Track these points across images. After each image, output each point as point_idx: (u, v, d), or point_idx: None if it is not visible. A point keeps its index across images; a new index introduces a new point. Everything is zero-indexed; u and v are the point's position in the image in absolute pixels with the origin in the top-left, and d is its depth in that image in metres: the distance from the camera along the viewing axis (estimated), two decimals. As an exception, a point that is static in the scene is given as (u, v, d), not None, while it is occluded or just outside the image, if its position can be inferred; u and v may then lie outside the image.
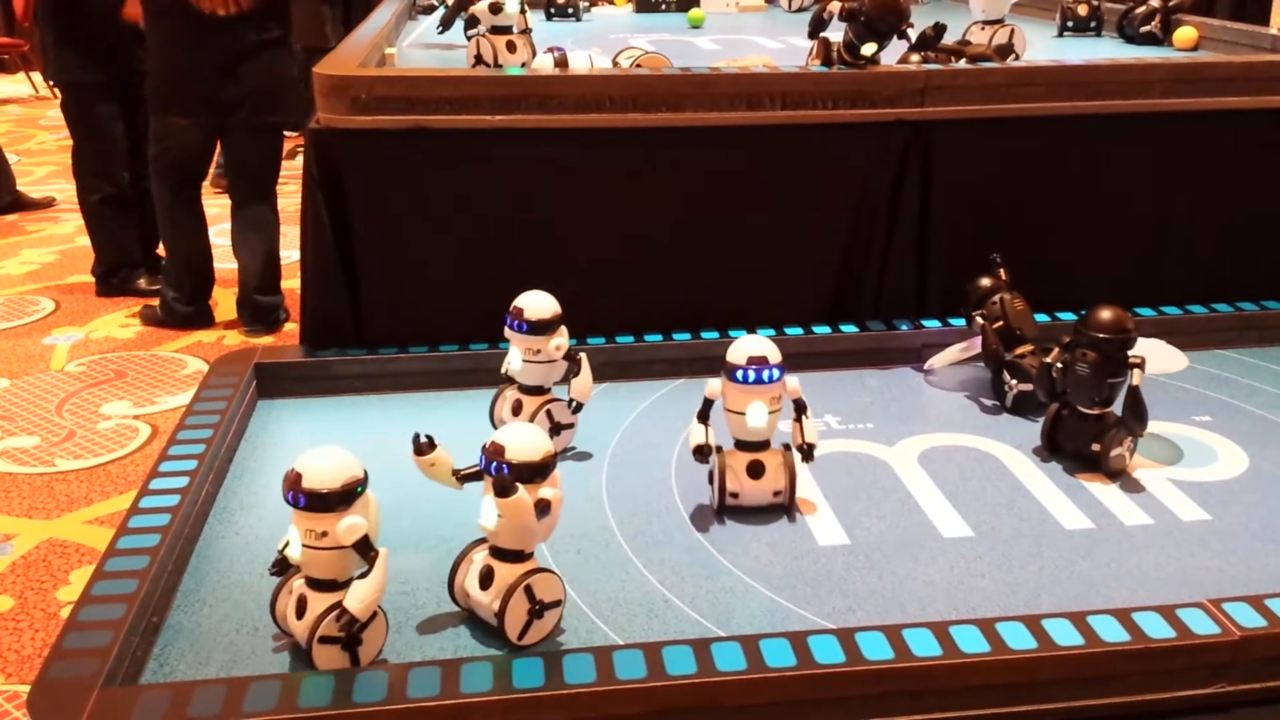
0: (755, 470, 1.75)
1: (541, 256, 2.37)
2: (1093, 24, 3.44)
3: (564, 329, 1.91)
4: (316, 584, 1.40)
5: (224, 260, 4.60)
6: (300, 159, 2.47)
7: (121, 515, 3.10)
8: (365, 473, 1.39)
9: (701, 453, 1.75)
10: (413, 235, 2.34)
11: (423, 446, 1.47)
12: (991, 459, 1.96)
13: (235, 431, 2.00)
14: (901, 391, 2.24)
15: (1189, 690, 1.41)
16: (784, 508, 1.78)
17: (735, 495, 1.76)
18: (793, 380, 1.74)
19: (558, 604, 1.48)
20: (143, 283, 4.89)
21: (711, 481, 1.78)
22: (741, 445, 1.76)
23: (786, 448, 1.77)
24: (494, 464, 1.40)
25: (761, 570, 1.64)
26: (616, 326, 2.32)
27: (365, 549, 1.36)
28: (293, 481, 1.35)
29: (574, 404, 1.94)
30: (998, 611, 1.53)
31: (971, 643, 1.37)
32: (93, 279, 5.00)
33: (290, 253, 4.76)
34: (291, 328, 4.53)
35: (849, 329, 2.38)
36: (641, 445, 2.01)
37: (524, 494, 1.39)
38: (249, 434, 2.05)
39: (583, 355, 1.92)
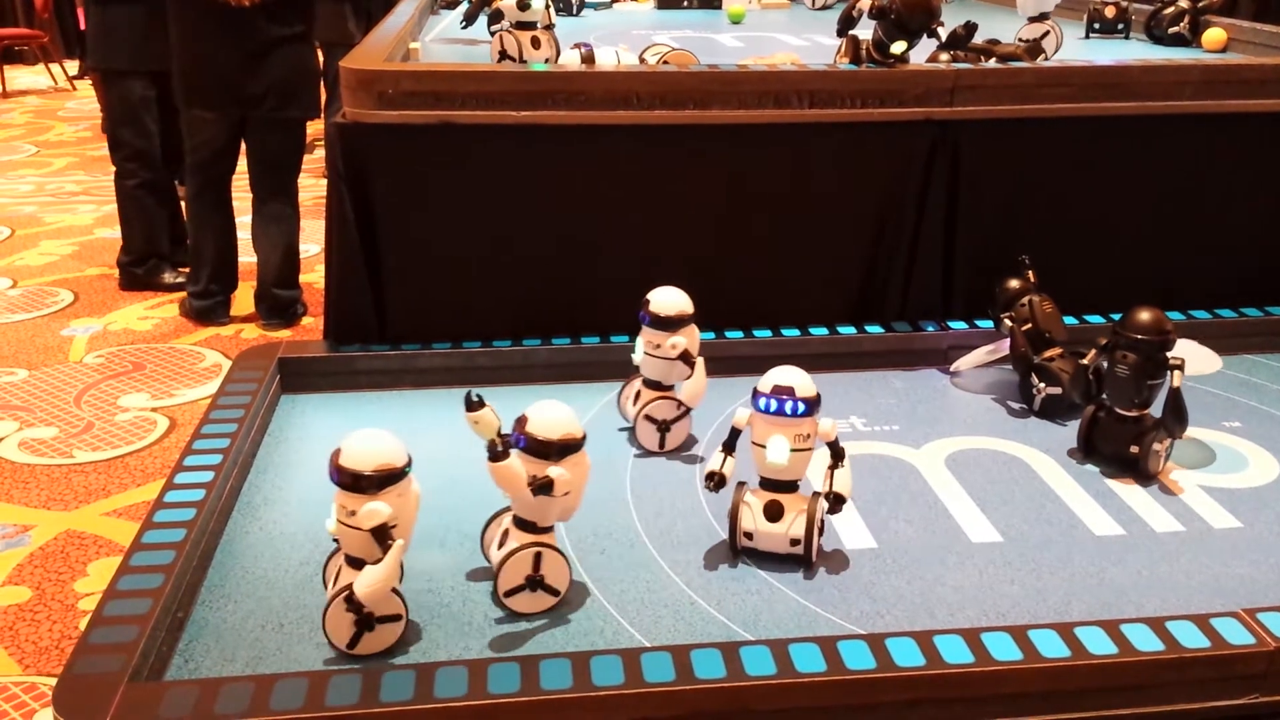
0: (773, 512, 1.63)
1: (566, 253, 2.36)
2: (1120, 26, 3.41)
3: (691, 330, 1.91)
4: (350, 560, 1.43)
5: (243, 253, 4.59)
6: (319, 152, 2.45)
7: (140, 508, 3.11)
8: (408, 460, 1.41)
9: (712, 479, 1.64)
10: (437, 231, 2.33)
11: (474, 404, 1.46)
12: (1019, 463, 1.95)
13: (259, 426, 2.00)
14: (927, 393, 2.23)
15: (1222, 700, 1.39)
16: (800, 559, 1.64)
17: (750, 536, 1.64)
18: (826, 423, 1.62)
19: (555, 591, 1.52)
20: (167, 276, 4.89)
21: (731, 519, 1.66)
22: (765, 484, 1.64)
23: (816, 495, 1.64)
24: (515, 433, 1.48)
25: (789, 573, 1.62)
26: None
27: (381, 537, 1.37)
28: (331, 457, 1.40)
29: (682, 407, 1.95)
30: (1027, 618, 1.52)
31: (1004, 650, 1.36)
32: (112, 271, 4.99)
33: (309, 246, 4.76)
34: (309, 321, 4.53)
35: (874, 330, 2.37)
36: (665, 445, 2.00)
37: (511, 464, 1.44)
38: (273, 429, 2.04)
39: (699, 360, 1.91)
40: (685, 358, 1.90)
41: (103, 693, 1.28)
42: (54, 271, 5.17)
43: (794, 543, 1.63)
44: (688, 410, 1.96)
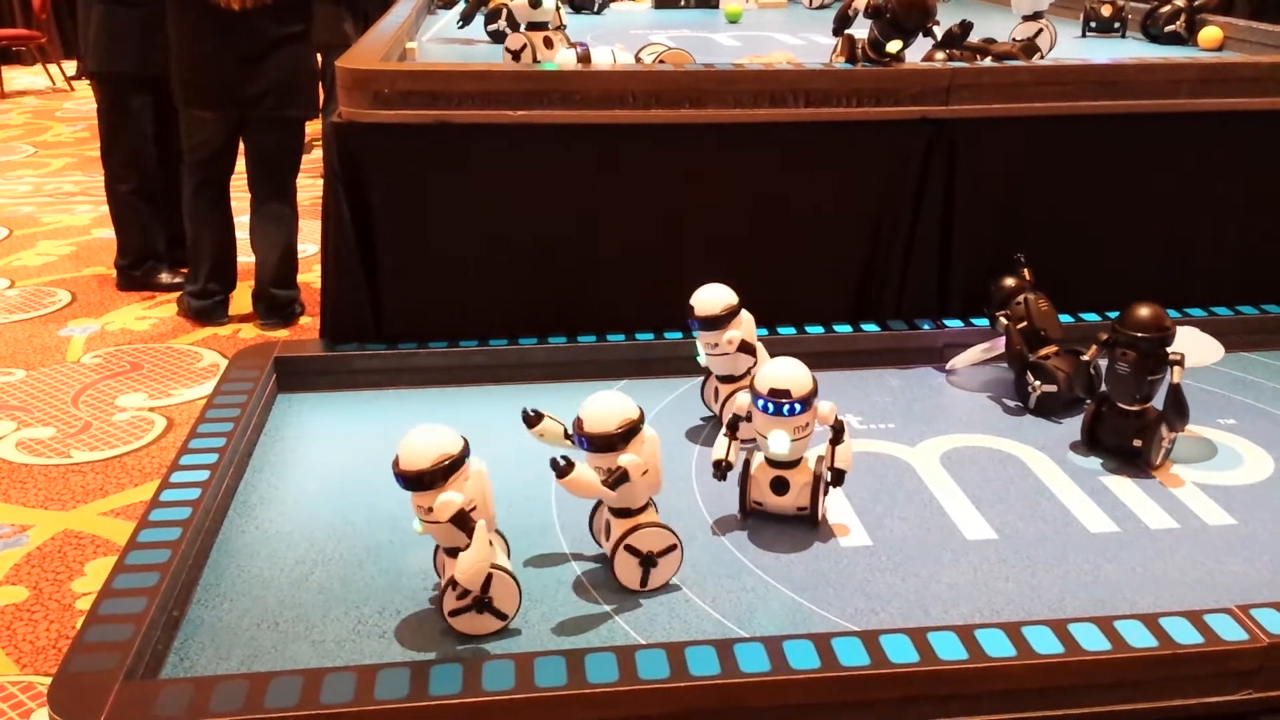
0: (779, 486, 1.71)
1: (561, 253, 2.37)
2: (1116, 24, 3.41)
3: (742, 319, 1.92)
4: (448, 551, 1.46)
5: (241, 253, 4.59)
6: (318, 152, 2.46)
7: (137, 507, 3.11)
8: (464, 445, 1.42)
9: (719, 468, 1.70)
10: (433, 230, 2.33)
11: (530, 420, 1.52)
12: (1015, 460, 1.95)
13: (255, 425, 2.00)
14: (923, 392, 2.23)
15: (1215, 697, 1.39)
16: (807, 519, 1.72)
17: (759, 504, 1.73)
18: (825, 406, 1.67)
19: (671, 549, 1.55)
20: (164, 277, 4.89)
21: (741, 485, 1.74)
22: (770, 460, 1.71)
23: (820, 460, 1.70)
24: (577, 436, 1.50)
25: (783, 570, 1.62)
26: (636, 323, 2.31)
27: (462, 523, 1.39)
28: (392, 464, 1.41)
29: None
30: (1022, 615, 1.52)
31: (997, 646, 1.36)
32: (110, 271, 4.99)
33: (307, 246, 4.75)
34: (306, 321, 4.53)
35: (870, 328, 2.37)
36: (661, 443, 2.00)
37: (578, 474, 1.46)
38: (269, 428, 2.04)
39: (758, 345, 1.93)
40: (745, 348, 1.91)
41: (98, 691, 1.28)
42: (51, 272, 5.17)
43: (800, 509, 1.70)
44: None
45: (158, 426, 3.68)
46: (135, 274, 4.87)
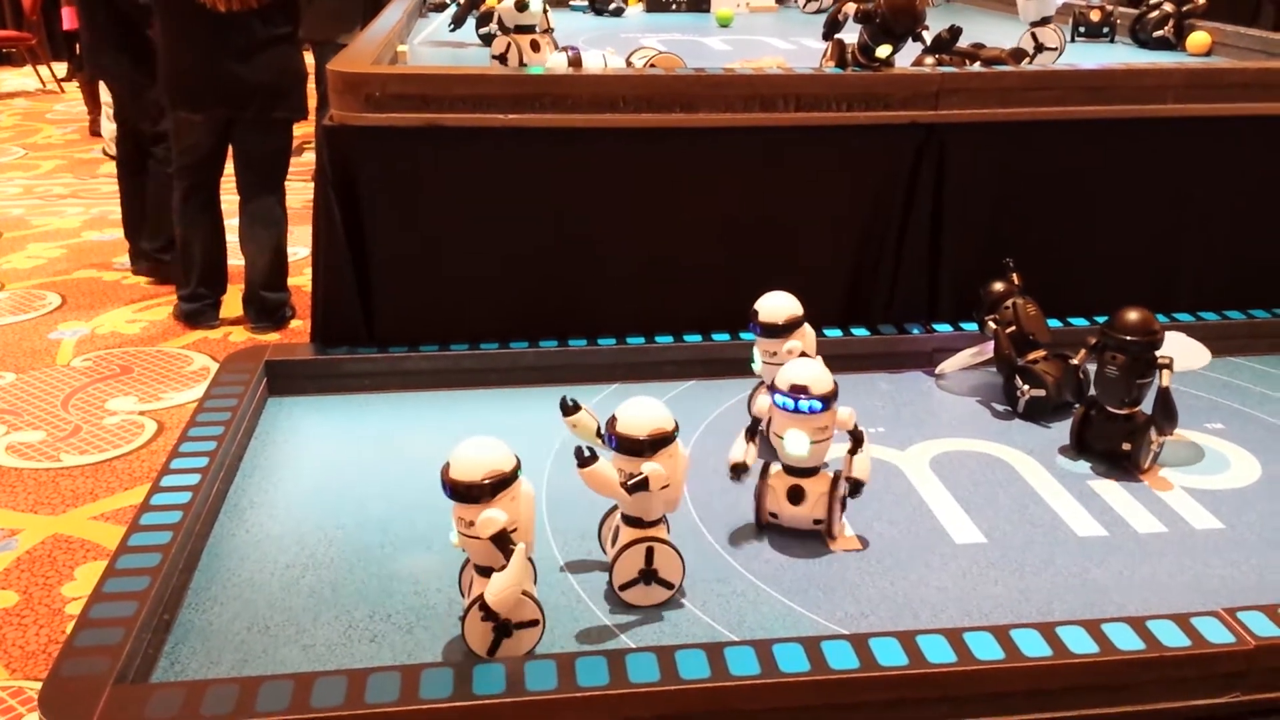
0: (795, 496, 1.69)
1: (553, 256, 2.37)
2: (1105, 29, 3.43)
3: (804, 331, 1.92)
4: (480, 570, 1.42)
5: (231, 256, 4.59)
6: (309, 154, 2.46)
7: (127, 511, 3.11)
8: (517, 463, 1.39)
9: (736, 471, 1.70)
10: (425, 234, 2.33)
11: (569, 409, 1.52)
12: (1003, 464, 1.96)
13: (246, 429, 2.00)
14: (913, 396, 2.24)
15: (1203, 699, 1.40)
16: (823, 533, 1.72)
17: (775, 516, 1.72)
18: (844, 411, 1.66)
19: (670, 585, 1.54)
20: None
21: (757, 496, 1.73)
22: (787, 468, 1.70)
23: (838, 476, 1.69)
24: (608, 433, 1.50)
25: (773, 575, 1.63)
26: (627, 327, 2.32)
27: (502, 543, 1.36)
28: (441, 471, 1.38)
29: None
30: (1010, 618, 1.53)
31: (986, 650, 1.37)
32: (99, 274, 5.00)
33: (298, 249, 4.75)
34: (297, 324, 4.53)
35: (860, 332, 2.38)
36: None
37: (599, 468, 1.46)
38: (260, 431, 2.04)
39: (818, 359, 1.91)
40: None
41: (89, 695, 1.28)
42: (41, 274, 5.17)
43: (817, 522, 1.70)
44: None
45: (148, 430, 3.68)
46: (165, 259, 4.82)
